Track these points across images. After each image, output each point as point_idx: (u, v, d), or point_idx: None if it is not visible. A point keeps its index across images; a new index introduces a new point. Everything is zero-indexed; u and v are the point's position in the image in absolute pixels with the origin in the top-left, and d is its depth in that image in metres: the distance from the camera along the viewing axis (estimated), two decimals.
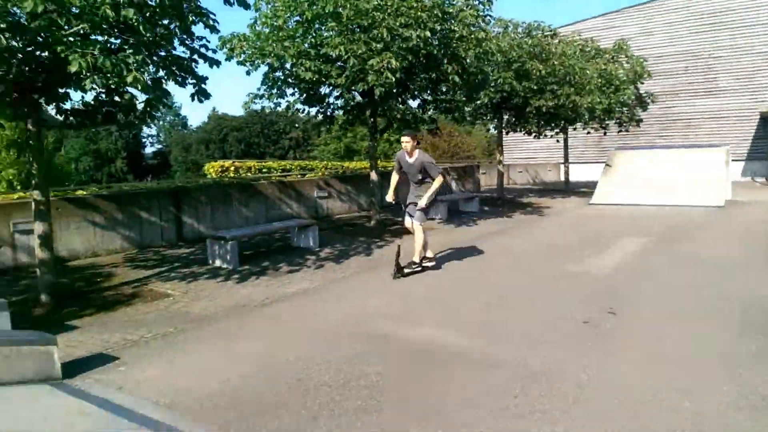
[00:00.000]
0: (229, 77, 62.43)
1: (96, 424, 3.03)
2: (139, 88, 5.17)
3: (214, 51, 7.48)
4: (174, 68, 6.43)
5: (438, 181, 6.58)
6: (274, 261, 7.99)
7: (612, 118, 18.23)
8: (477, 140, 38.11)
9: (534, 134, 16.49)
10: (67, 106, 6.44)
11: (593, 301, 5.48)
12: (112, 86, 5.42)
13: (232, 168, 13.55)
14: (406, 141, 6.68)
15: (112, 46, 5.71)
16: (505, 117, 15.93)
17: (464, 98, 11.93)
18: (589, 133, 19.34)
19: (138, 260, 8.34)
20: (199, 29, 6.88)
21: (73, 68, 4.68)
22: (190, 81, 6.73)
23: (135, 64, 5.06)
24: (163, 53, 6.33)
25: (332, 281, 6.69)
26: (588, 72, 14.67)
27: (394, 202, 7.06)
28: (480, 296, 5.80)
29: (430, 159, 6.71)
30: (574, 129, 18.41)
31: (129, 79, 4.97)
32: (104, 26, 5.28)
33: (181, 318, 5.37)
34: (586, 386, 3.47)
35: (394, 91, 10.00)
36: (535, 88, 13.57)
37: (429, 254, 7.04)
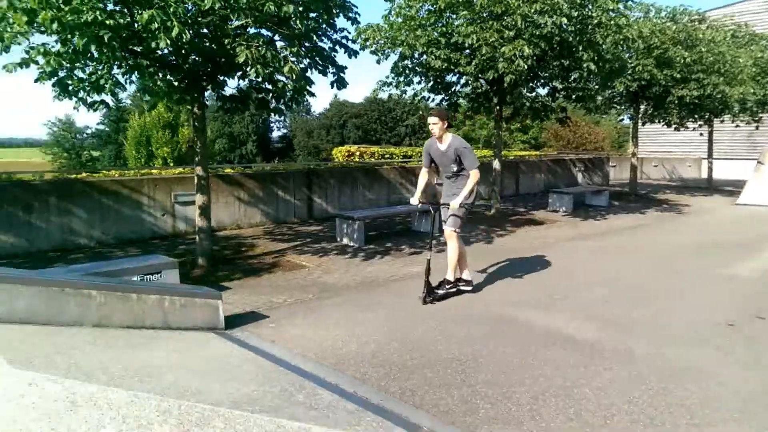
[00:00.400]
0: (351, 66, 64.31)
1: (259, 369, 3.50)
2: (293, 77, 5.68)
3: (354, 41, 7.92)
4: (317, 58, 6.94)
5: (475, 175, 5.13)
6: (396, 242, 8.35)
7: (767, 110, 16.32)
8: (606, 131, 35.90)
9: (674, 126, 15.29)
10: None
11: (739, 304, 5.13)
12: (268, 75, 6.00)
13: (357, 153, 14.21)
14: (434, 122, 5.19)
15: (265, 39, 6.32)
16: (642, 107, 14.94)
17: (597, 86, 11.42)
18: (738, 126, 17.46)
19: (275, 234, 9.14)
20: (339, 21, 7.33)
21: (241, 59, 5.28)
22: (331, 70, 7.21)
23: (291, 55, 5.59)
24: (307, 44, 6.83)
25: None
26: (740, 60, 13.28)
27: (422, 205, 5.59)
28: (611, 290, 5.66)
29: (465, 144, 5.27)
30: (721, 121, 16.74)
31: (285, 69, 5.51)
32: (264, 21, 5.85)
33: (317, 287, 5.88)
34: (726, 386, 3.33)
35: (523, 78, 9.87)
36: (678, 76, 12.57)
37: (466, 275, 5.53)
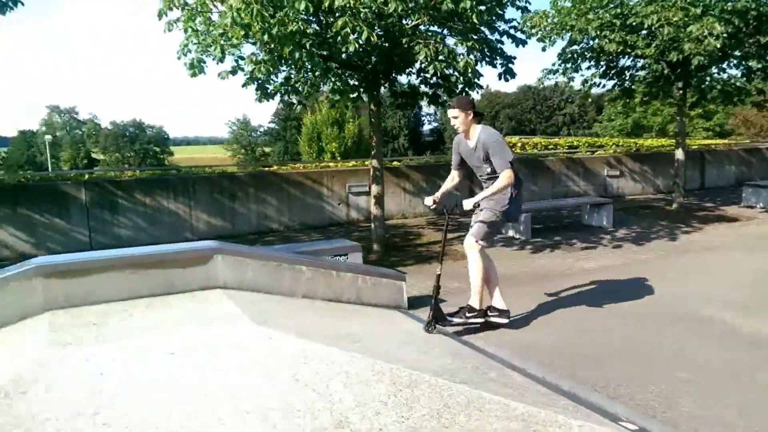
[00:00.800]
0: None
1: (446, 346, 3.75)
2: (469, 71, 5.84)
3: (523, 31, 7.85)
4: (485, 50, 7.03)
5: (506, 176, 3.95)
6: (565, 236, 8.12)
7: None
8: None
9: None
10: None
11: None
12: (442, 70, 6.24)
13: (519, 144, 14.01)
14: (454, 116, 4.15)
15: (441, 36, 6.56)
16: None
17: None
18: None
19: (438, 224, 9.45)
20: (507, 11, 7.30)
21: (420, 57, 5.59)
22: (499, 61, 7.25)
23: (465, 50, 5.76)
24: (475, 37, 6.94)
25: (634, 261, 6.51)
26: None
27: (432, 207, 4.45)
28: None
29: (494, 137, 4.09)
30: None
31: (461, 64, 5.70)
32: (439, 18, 6.09)
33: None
34: None
35: (713, 59, 8.92)
36: None
37: (498, 302, 4.31)
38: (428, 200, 4.45)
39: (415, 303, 4.95)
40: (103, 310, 3.57)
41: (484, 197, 4.05)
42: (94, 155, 59.95)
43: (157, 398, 2.55)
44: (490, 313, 4.28)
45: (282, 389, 2.66)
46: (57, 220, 7.94)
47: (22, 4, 5.99)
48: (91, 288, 3.71)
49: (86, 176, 8.51)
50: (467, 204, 4.03)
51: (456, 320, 4.20)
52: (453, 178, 4.58)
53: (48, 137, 52.15)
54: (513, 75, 7.31)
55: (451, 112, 4.18)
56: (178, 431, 2.34)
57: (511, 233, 8.27)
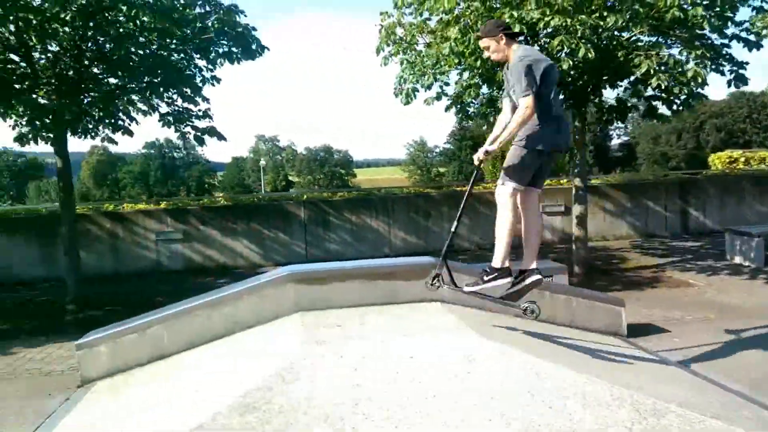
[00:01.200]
0: None
1: (683, 378, 3.47)
2: (699, 80, 5.39)
3: (756, 33, 6.99)
4: (711, 56, 6.38)
5: (522, 107, 3.18)
6: None
7: None
8: None
9: None
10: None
11: None
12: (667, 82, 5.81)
13: (742, 159, 12.34)
14: (486, 46, 3.48)
15: (665, 46, 6.13)
16: None
17: None
18: None
19: (644, 248, 8.72)
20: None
21: (642, 69, 5.31)
22: (727, 68, 6.55)
23: (694, 59, 5.33)
24: (697, 43, 6.34)
25: None
26: None
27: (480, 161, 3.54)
28: None
29: (523, 55, 3.32)
30: None
31: (689, 74, 5.27)
32: (663, 28, 5.72)
33: (716, 307, 5.39)
34: None
35: None
36: None
37: (529, 261, 3.63)
38: (480, 152, 3.55)
39: (633, 330, 4.65)
40: (342, 314, 4.02)
41: (495, 140, 3.40)
42: (290, 178, 67.51)
43: (404, 397, 2.81)
44: (527, 277, 3.58)
45: (519, 402, 2.73)
46: (281, 234, 9.15)
47: (268, 49, 7.08)
48: (331, 294, 4.22)
49: (305, 196, 9.68)
50: (478, 154, 3.44)
51: (468, 289, 3.64)
52: (505, 115, 3.62)
53: (262, 162, 60.52)
54: (745, 82, 6.56)
55: (482, 43, 3.56)
56: (432, 428, 2.55)
57: (738, 260, 7.29)
